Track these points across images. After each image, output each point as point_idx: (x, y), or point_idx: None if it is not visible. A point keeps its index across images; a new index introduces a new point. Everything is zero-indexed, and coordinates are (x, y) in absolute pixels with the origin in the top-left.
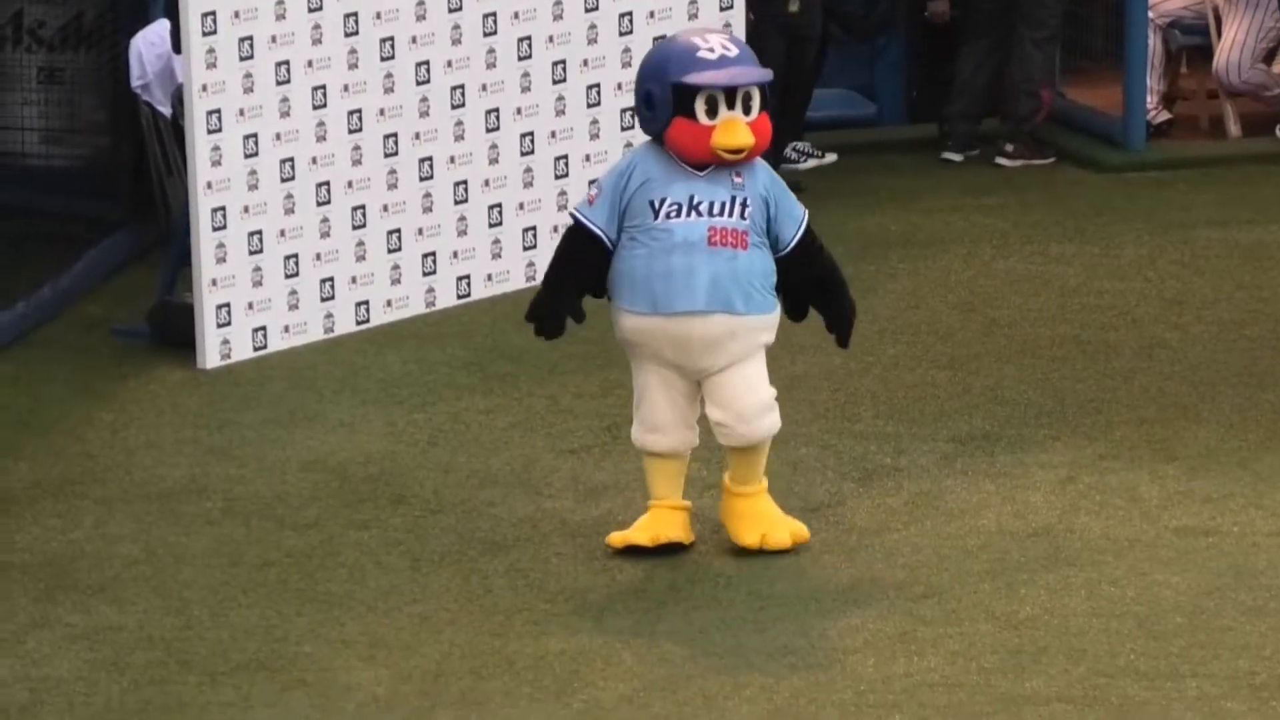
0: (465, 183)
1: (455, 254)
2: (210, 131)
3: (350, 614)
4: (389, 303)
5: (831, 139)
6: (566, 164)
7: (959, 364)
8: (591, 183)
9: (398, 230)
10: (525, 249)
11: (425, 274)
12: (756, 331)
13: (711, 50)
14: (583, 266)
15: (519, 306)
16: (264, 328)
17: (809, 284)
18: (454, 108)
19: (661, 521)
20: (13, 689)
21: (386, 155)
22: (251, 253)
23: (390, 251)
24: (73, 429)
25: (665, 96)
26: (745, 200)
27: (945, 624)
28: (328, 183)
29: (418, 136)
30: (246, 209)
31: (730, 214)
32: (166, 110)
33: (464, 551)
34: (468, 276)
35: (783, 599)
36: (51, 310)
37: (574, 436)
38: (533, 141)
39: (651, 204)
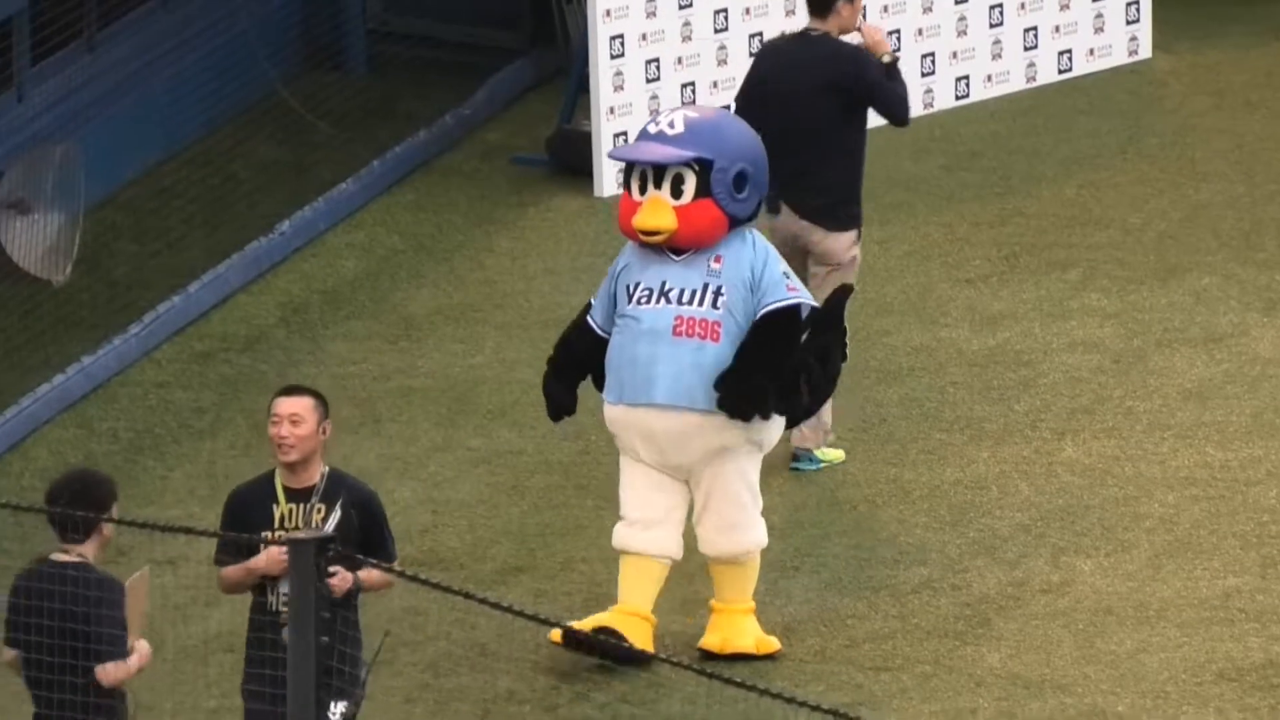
0: None
1: None
2: None
3: None
4: None
5: None
6: None
7: None
8: None
9: None
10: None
11: None
12: (725, 430)
13: (657, 124)
14: (574, 350)
15: (912, 133)
16: None
17: (748, 358)
18: None
19: (614, 619)
20: (416, 511)
21: None
22: (649, 81)
23: None
24: (473, 256)
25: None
26: (720, 288)
27: None
28: (725, 10)
29: None
30: (644, 36)
31: (700, 303)
32: None
33: (858, 381)
34: None
35: (1184, 429)
36: (452, 138)
37: (970, 265)
38: None
39: (627, 289)
